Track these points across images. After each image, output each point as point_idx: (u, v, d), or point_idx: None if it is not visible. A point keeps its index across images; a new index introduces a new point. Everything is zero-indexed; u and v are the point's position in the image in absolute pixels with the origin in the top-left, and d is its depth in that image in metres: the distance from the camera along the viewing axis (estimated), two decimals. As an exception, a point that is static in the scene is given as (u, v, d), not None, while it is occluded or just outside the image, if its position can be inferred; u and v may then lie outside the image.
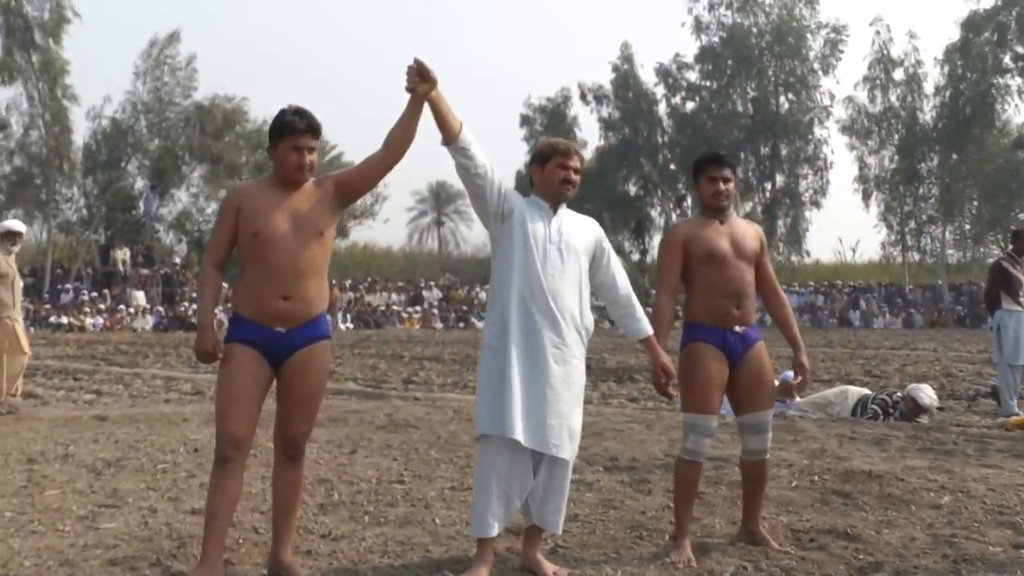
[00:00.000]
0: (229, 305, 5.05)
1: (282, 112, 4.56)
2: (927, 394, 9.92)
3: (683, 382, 5.08)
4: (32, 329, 27.91)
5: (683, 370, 5.08)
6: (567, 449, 4.57)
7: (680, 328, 5.24)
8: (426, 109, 4.50)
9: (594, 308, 4.92)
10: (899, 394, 10.23)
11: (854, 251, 58.79)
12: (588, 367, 4.97)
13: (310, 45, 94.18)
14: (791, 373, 10.77)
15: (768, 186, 52.14)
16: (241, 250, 4.52)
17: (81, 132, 43.56)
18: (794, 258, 51.99)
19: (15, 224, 11.27)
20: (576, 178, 4.75)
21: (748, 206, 52.99)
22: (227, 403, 4.40)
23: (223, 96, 44.62)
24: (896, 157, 49.81)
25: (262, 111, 46.58)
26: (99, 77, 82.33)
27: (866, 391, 10.78)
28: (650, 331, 4.87)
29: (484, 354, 4.63)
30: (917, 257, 50.82)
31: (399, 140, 4.55)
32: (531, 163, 4.85)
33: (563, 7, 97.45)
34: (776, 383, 10.59)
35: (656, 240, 54.48)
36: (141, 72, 43.72)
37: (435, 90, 4.42)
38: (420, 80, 4.38)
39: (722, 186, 5.14)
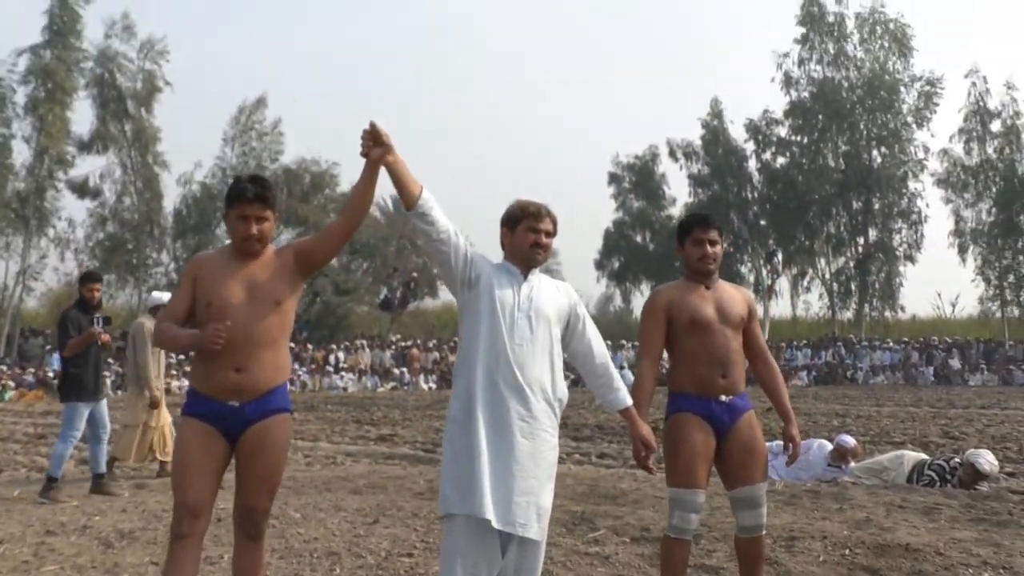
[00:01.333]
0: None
1: (237, 179, 4.49)
2: (987, 460, 9.37)
3: (667, 455, 4.83)
4: (119, 392, 28.24)
5: (667, 442, 4.83)
6: (534, 528, 4.31)
7: (664, 398, 4.97)
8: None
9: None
10: (957, 459, 9.70)
11: (954, 306, 57.09)
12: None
13: (397, 105, 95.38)
14: (847, 437, 10.39)
15: (860, 240, 51.11)
16: (198, 320, 4.40)
17: (172, 197, 44.77)
18: (888, 314, 50.81)
19: (166, 296, 11.31)
20: (547, 241, 4.54)
21: (840, 261, 52.11)
22: (182, 475, 4.29)
23: (310, 159, 45.41)
24: (994, 210, 48.58)
25: (352, 174, 47.09)
26: (189, 143, 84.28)
27: (923, 456, 10.26)
28: (629, 402, 4.62)
29: (448, 428, 4.42)
30: (1017, 312, 49.18)
31: (355, 206, 4.42)
32: (502, 225, 4.65)
33: (651, 64, 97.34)
34: (830, 447, 10.27)
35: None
36: (230, 138, 45.00)
37: (392, 155, 4.25)
38: (373, 145, 4.22)
39: (709, 249, 4.90)
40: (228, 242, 4.56)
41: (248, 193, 4.35)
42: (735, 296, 4.95)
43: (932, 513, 7.97)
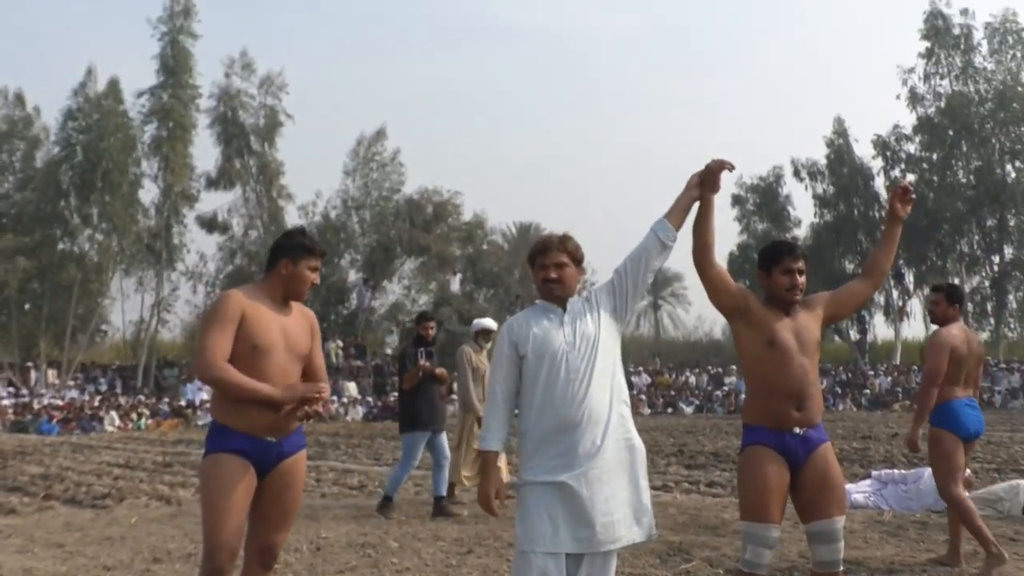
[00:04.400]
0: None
1: (292, 235, 4.79)
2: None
3: (741, 488, 4.81)
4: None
5: (740, 475, 4.82)
6: (621, 537, 4.27)
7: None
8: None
9: None
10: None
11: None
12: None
13: (517, 138, 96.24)
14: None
15: (995, 259, 49.54)
16: (234, 358, 4.52)
17: (295, 228, 45.51)
18: (1027, 334, 49.14)
19: (489, 322, 11.55)
20: (557, 274, 4.46)
21: (975, 280, 50.58)
22: (222, 514, 4.42)
23: (432, 189, 45.92)
24: None
25: (475, 204, 47.24)
26: (311, 172, 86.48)
27: (1042, 485, 9.85)
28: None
29: (521, 471, 4.43)
30: None
31: None
32: (528, 265, 4.68)
33: (773, 85, 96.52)
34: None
35: (877, 319, 52.71)
36: (351, 169, 45.80)
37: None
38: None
39: (799, 278, 4.85)
40: (252, 284, 4.80)
41: (316, 248, 4.72)
42: (810, 319, 4.90)
43: (1046, 546, 7.66)
